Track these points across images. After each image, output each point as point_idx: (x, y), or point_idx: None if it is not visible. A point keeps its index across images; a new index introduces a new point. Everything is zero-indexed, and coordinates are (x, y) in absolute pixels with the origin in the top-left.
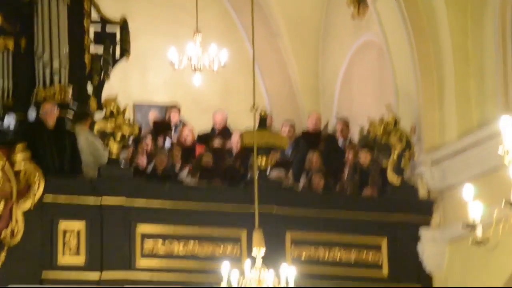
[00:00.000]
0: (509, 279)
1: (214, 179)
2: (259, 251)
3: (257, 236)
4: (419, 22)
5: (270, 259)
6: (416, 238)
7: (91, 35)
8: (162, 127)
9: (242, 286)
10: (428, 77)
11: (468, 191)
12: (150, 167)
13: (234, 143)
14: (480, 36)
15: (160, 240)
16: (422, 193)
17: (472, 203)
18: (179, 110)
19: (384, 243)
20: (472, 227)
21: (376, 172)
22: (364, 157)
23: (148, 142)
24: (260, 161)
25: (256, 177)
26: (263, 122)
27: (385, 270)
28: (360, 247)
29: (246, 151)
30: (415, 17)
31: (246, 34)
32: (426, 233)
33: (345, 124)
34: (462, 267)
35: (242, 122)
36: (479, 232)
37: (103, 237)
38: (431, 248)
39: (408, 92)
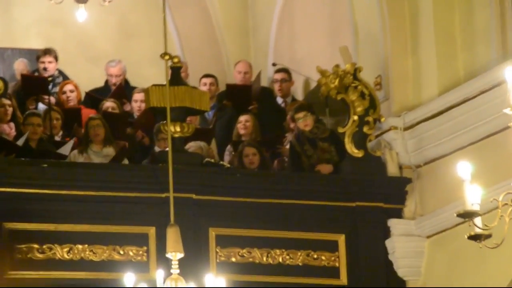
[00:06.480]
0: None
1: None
2: (175, 257)
3: (173, 235)
4: None
5: (189, 266)
6: (384, 233)
7: None
8: (34, 82)
9: None
10: (398, 10)
11: (464, 168)
12: (22, 139)
13: (136, 104)
14: None
15: (36, 245)
16: (391, 170)
17: (470, 185)
18: (56, 58)
19: (341, 241)
20: (469, 216)
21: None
22: (304, 122)
23: (6, 102)
24: (174, 128)
25: (170, 152)
26: (176, 75)
27: (343, 277)
28: (309, 247)
29: (151, 115)
30: None
31: None
32: (398, 225)
33: (286, 76)
34: (446, 269)
35: (145, 75)
36: (478, 223)
37: None
38: (404, 245)
39: (371, 31)
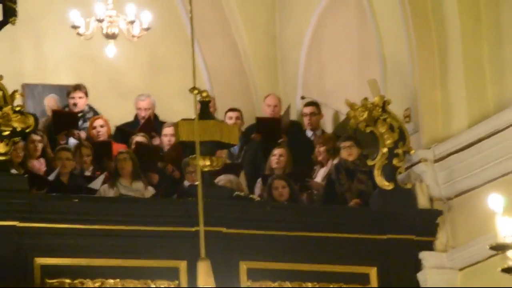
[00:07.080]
0: None
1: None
2: None
3: (204, 269)
4: None
5: None
6: (415, 265)
7: None
8: (65, 118)
9: None
10: (426, 42)
11: (495, 200)
12: (53, 174)
13: (166, 138)
14: None
15: (67, 280)
16: (422, 202)
17: (502, 217)
18: (86, 93)
19: (373, 274)
20: (501, 248)
21: (366, 174)
22: (348, 151)
23: (36, 138)
24: (203, 162)
25: (200, 186)
26: (205, 109)
27: None
28: (341, 280)
29: (180, 150)
30: None
31: None
32: (429, 258)
33: (315, 109)
34: None
35: (175, 109)
36: (511, 256)
37: None
38: (436, 278)
39: (399, 63)
